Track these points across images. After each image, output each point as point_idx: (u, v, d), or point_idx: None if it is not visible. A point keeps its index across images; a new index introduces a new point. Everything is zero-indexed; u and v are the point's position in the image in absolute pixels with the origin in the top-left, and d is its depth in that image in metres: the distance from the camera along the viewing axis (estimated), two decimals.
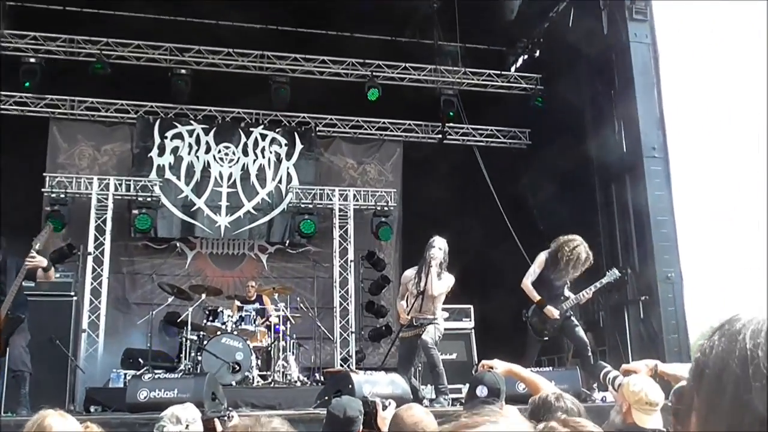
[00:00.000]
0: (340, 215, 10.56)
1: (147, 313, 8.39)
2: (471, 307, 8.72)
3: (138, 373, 6.77)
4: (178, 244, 10.58)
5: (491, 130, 11.85)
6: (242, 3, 9.97)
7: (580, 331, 6.09)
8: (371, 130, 11.65)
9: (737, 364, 0.70)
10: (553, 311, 5.85)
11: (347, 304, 10.18)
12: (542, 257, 5.92)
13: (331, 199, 10.61)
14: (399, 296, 5.87)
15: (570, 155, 9.72)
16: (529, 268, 5.98)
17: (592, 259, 5.81)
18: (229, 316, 7.57)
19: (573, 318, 6.12)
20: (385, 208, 10.62)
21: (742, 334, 0.72)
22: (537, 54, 11.60)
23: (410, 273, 5.67)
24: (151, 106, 10.82)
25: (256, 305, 8.16)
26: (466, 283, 9.19)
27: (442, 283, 5.50)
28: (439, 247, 5.52)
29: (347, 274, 10.30)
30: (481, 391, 2.86)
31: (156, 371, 6.50)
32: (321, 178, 11.23)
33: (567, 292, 5.98)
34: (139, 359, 7.83)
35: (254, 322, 7.69)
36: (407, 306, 5.59)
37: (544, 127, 11.08)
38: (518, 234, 10.34)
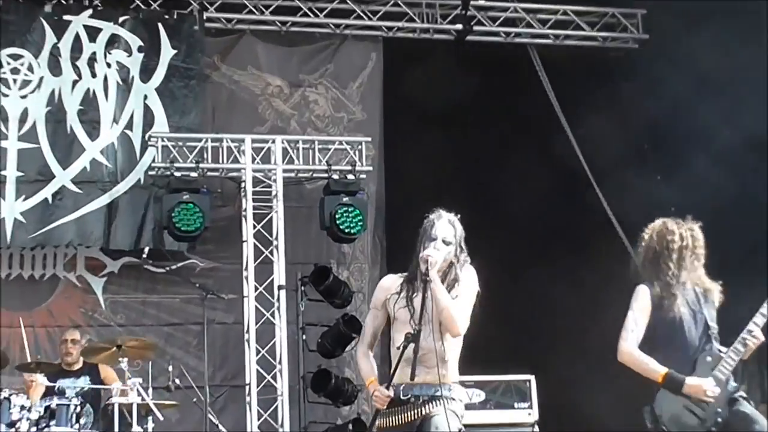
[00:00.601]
0: (256, 193, 10.54)
1: None
2: (531, 378, 8.91)
3: None
4: None
5: (565, 13, 11.99)
6: None
7: (764, 422, 5.96)
8: (317, 16, 11.63)
9: None
10: (704, 385, 5.79)
11: (274, 377, 10.14)
12: (644, 292, 5.91)
13: (237, 161, 10.61)
14: (362, 339, 5.75)
15: (732, 66, 9.83)
16: (625, 321, 5.92)
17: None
18: (23, 407, 7.83)
19: (746, 398, 6.02)
20: (350, 176, 10.63)
21: None
22: None
23: (391, 282, 5.64)
24: None
25: (83, 382, 8.51)
26: (520, 330, 9.04)
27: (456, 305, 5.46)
28: (443, 238, 5.47)
29: (273, 314, 10.27)
30: None
31: None
32: (215, 116, 11.28)
33: (715, 343, 5.98)
34: None
35: (77, 420, 7.90)
36: (389, 367, 5.49)
37: (675, 10, 11.11)
38: (622, 222, 10.65)
